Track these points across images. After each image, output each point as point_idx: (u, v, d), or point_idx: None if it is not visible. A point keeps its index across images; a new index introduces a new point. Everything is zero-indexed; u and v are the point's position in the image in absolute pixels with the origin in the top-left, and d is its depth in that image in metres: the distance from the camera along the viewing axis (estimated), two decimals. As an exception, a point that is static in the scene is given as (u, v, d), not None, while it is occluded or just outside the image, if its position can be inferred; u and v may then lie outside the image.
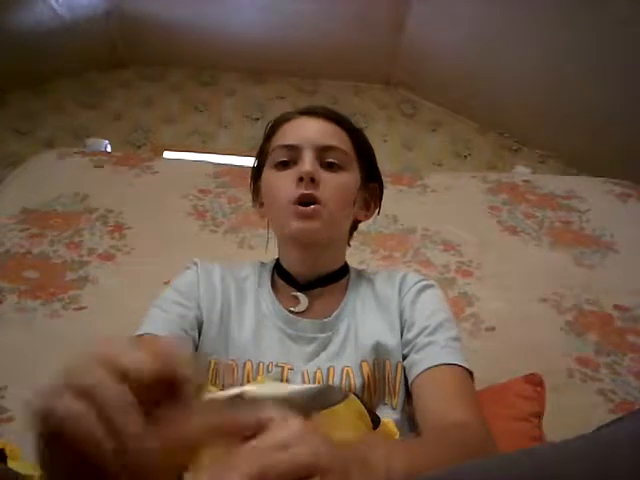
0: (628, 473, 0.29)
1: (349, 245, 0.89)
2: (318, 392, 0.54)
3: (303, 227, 0.74)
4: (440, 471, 0.41)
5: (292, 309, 0.78)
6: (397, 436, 0.59)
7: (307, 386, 0.54)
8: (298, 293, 0.79)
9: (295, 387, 0.54)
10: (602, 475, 0.30)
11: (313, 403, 0.54)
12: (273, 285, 0.83)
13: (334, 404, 0.55)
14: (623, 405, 1.08)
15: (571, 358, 1.20)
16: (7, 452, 0.51)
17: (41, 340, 1.21)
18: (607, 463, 0.30)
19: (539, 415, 0.93)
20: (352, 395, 0.55)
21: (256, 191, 0.87)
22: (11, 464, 0.49)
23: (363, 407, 0.56)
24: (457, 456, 0.53)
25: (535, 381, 0.96)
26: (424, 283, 0.81)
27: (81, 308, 1.31)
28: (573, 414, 1.04)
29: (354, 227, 0.89)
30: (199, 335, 0.76)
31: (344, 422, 0.53)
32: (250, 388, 0.54)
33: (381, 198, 0.88)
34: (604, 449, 0.32)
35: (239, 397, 0.53)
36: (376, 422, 0.56)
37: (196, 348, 0.76)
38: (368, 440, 0.53)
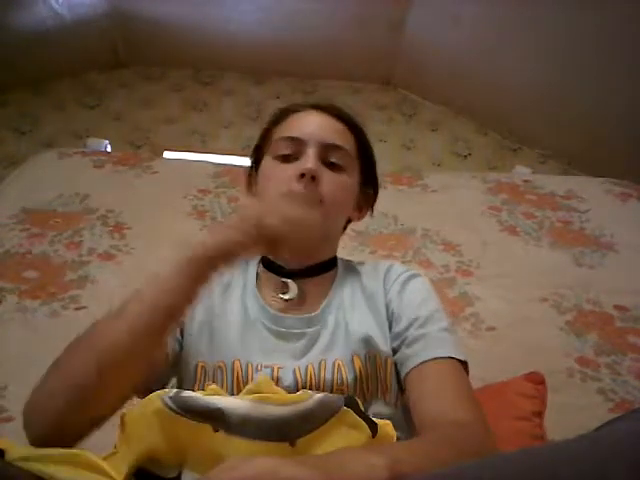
0: (627, 473, 0.29)
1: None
2: (310, 410, 0.53)
3: None
4: (440, 470, 0.41)
5: (282, 296, 0.77)
6: (395, 438, 0.59)
7: (296, 406, 0.53)
8: (287, 280, 0.78)
9: (284, 409, 0.53)
10: (601, 475, 0.30)
11: (306, 421, 0.53)
12: (258, 281, 0.81)
13: (334, 413, 0.54)
14: (623, 405, 1.08)
15: (571, 358, 1.20)
16: (4, 447, 0.51)
17: (41, 340, 1.21)
18: (606, 463, 0.30)
19: (540, 414, 0.93)
20: (344, 408, 0.55)
21: (251, 176, 0.86)
22: (17, 450, 0.50)
23: (357, 417, 0.55)
24: (456, 455, 0.53)
25: (536, 380, 0.97)
26: (409, 273, 0.80)
27: (81, 308, 1.31)
28: (573, 414, 1.04)
29: (345, 226, 0.88)
30: (182, 339, 0.75)
31: (335, 440, 0.53)
32: (234, 405, 0.53)
33: (374, 203, 0.88)
34: (604, 449, 0.32)
35: (220, 410, 0.52)
36: (374, 429, 0.56)
37: (180, 349, 0.75)
38: (368, 445, 0.53)
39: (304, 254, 0.78)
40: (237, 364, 0.71)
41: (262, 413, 0.52)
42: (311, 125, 0.78)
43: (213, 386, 0.61)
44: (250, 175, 0.86)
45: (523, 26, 2.71)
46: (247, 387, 0.60)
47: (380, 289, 0.79)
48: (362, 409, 0.56)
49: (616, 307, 1.35)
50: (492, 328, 1.29)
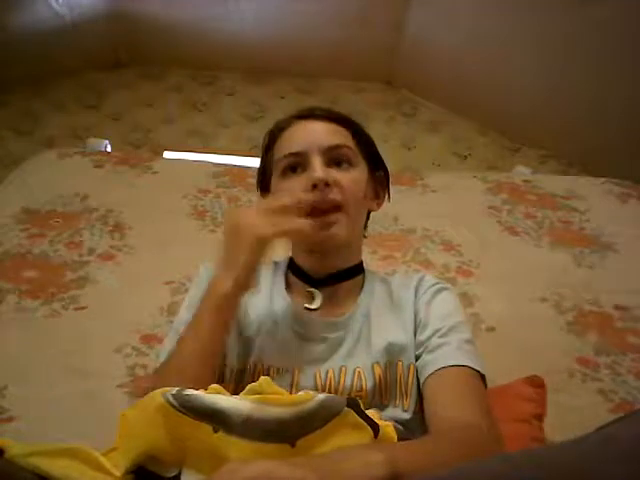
0: (627, 474, 0.29)
1: (365, 237, 0.90)
2: (311, 411, 0.53)
3: (325, 235, 0.74)
4: (440, 471, 0.41)
5: (307, 306, 0.78)
6: (395, 439, 0.59)
7: (298, 407, 0.54)
8: (313, 289, 0.79)
9: (285, 410, 0.53)
10: (602, 476, 0.30)
11: (307, 422, 0.53)
12: (287, 284, 0.83)
13: (335, 415, 0.54)
14: (623, 405, 1.08)
15: (571, 358, 1.20)
16: (3, 445, 0.51)
17: (41, 340, 1.21)
18: (607, 464, 0.30)
19: (540, 417, 0.93)
20: (345, 409, 0.55)
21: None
22: (16, 447, 0.50)
23: (359, 418, 0.55)
24: (458, 456, 0.53)
25: (536, 383, 0.96)
26: (440, 286, 0.82)
27: (81, 308, 1.31)
28: (573, 414, 1.04)
29: (367, 219, 0.89)
30: None
31: (337, 440, 0.53)
32: (236, 405, 0.53)
33: (389, 185, 0.88)
34: (603, 450, 0.32)
35: (222, 411, 0.52)
36: (375, 430, 0.56)
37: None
38: (366, 444, 0.53)
39: (332, 258, 0.79)
40: (260, 366, 0.73)
41: (263, 414, 0.52)
42: (307, 135, 0.79)
43: (215, 385, 0.61)
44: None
45: (523, 26, 2.71)
46: (248, 387, 0.60)
47: (410, 298, 0.80)
48: (363, 410, 0.57)
49: (616, 307, 1.34)
50: (492, 328, 1.29)
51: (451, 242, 1.60)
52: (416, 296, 0.80)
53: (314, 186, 0.74)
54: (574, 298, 1.38)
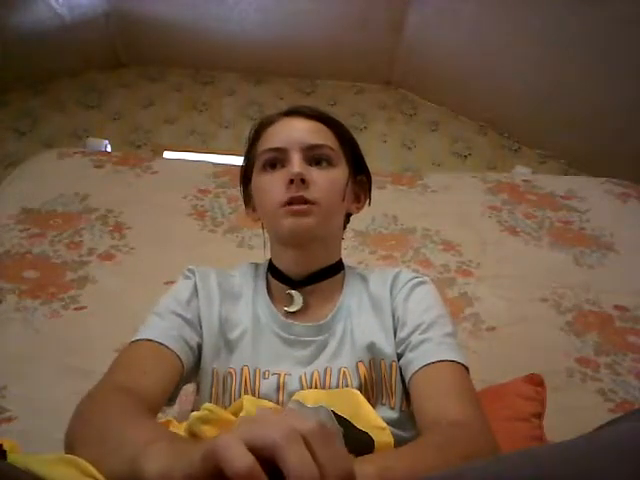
0: (626, 473, 0.29)
1: (342, 238, 0.89)
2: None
3: (297, 223, 0.73)
4: (438, 474, 0.41)
5: (286, 308, 0.78)
6: (392, 444, 0.59)
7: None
8: (292, 291, 0.78)
9: None
10: (602, 476, 0.30)
11: None
12: (268, 288, 0.82)
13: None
14: (623, 405, 1.08)
15: (571, 358, 1.20)
16: (6, 447, 0.51)
17: (41, 340, 1.21)
18: (607, 464, 0.30)
19: (540, 415, 0.92)
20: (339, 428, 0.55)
21: (247, 196, 0.87)
22: (12, 457, 0.49)
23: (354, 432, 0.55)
24: (451, 457, 0.53)
25: (536, 381, 0.96)
26: (416, 280, 0.81)
27: (81, 308, 1.31)
28: (573, 414, 1.04)
29: (346, 221, 0.88)
30: (201, 345, 0.76)
31: None
32: None
33: (370, 189, 0.88)
34: (604, 450, 0.32)
35: None
36: (371, 444, 0.55)
37: (199, 359, 0.76)
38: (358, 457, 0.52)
39: (308, 258, 0.79)
40: (246, 370, 0.73)
41: None
42: (289, 131, 0.79)
43: (247, 397, 0.60)
44: (246, 196, 0.87)
45: (523, 26, 2.71)
46: (230, 408, 0.61)
47: (387, 295, 0.79)
48: (356, 427, 0.57)
49: (616, 307, 1.34)
50: (492, 328, 1.29)
51: (451, 242, 1.60)
52: (391, 294, 0.79)
53: (291, 181, 0.73)
54: (574, 298, 1.38)
